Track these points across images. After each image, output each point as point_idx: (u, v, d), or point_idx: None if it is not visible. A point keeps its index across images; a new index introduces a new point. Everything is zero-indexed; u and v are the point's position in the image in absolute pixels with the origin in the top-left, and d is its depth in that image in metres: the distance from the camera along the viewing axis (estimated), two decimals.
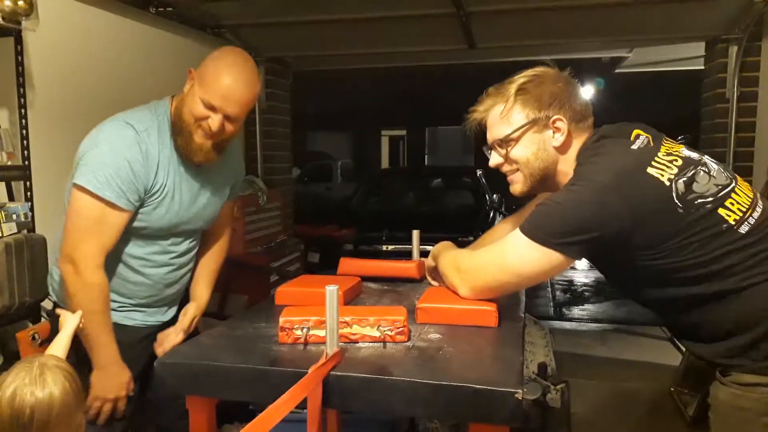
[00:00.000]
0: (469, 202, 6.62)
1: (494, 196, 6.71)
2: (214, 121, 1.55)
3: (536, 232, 1.29)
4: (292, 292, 1.66)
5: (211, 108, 1.54)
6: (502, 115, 1.39)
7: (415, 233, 1.99)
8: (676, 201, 1.22)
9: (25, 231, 1.90)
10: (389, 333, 1.30)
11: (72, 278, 1.56)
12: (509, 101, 1.38)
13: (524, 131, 1.38)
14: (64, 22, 2.30)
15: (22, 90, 2.02)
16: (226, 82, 1.53)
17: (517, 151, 1.40)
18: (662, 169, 1.25)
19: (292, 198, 4.55)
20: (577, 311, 5.64)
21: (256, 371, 1.20)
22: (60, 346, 1.34)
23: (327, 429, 1.85)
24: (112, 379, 1.62)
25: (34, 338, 1.70)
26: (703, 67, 3.70)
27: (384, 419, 2.46)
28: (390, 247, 4.72)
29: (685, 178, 1.24)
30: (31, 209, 1.97)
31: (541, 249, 1.28)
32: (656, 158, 1.27)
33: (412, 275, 1.88)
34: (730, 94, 3.34)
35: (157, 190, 1.64)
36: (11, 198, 2.01)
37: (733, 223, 1.23)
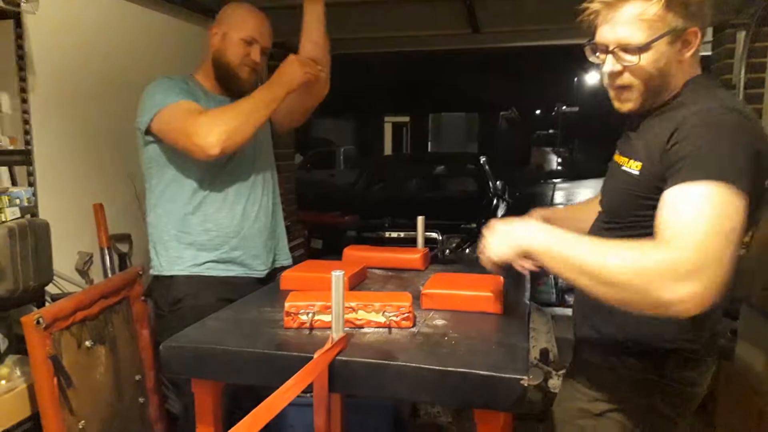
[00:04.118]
0: (472, 188, 6.59)
1: (497, 182, 6.68)
2: (256, 52, 1.90)
3: (727, 174, 1.01)
4: (297, 277, 1.65)
5: (251, 42, 1.89)
6: (641, 17, 1.13)
7: (420, 219, 1.98)
8: None
9: (28, 216, 1.89)
10: (394, 319, 1.30)
11: None
12: (652, 0, 1.12)
13: (660, 42, 1.14)
14: (65, 4, 2.27)
15: (22, 74, 2.00)
16: (259, 19, 1.94)
17: (645, 63, 1.16)
18: None
19: (294, 184, 4.54)
20: None
21: (262, 355, 1.20)
22: None
23: (330, 412, 1.85)
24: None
25: (38, 322, 1.71)
26: (710, 53, 3.66)
27: (386, 403, 2.47)
28: (393, 234, 4.71)
29: None
30: (34, 194, 1.96)
31: (737, 191, 1.01)
32: None
33: (417, 267, 1.87)
34: (737, 80, 3.29)
35: None
36: (14, 183, 2.00)
37: None
